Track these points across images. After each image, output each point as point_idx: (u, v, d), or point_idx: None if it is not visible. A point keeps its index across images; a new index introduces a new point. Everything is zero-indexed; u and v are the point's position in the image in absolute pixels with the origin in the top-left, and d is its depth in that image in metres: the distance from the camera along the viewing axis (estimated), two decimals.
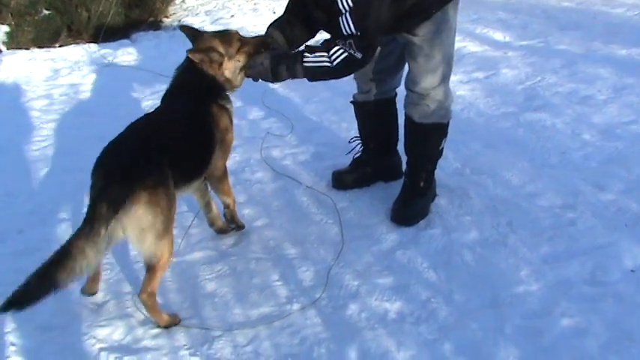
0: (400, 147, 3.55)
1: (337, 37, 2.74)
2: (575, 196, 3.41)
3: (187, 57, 2.84)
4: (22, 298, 2.17)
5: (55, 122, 4.87)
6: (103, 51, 6.72)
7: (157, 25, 7.73)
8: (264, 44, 2.91)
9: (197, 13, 8.26)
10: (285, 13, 3.05)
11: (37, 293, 2.18)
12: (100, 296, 2.83)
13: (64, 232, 3.25)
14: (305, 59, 2.80)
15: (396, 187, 3.48)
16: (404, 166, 3.48)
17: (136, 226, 2.35)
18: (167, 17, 8.12)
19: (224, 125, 2.88)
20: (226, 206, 3.16)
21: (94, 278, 2.77)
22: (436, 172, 3.40)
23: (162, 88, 5.52)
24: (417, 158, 3.34)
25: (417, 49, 3.00)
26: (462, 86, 5.05)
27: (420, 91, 3.08)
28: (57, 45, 6.93)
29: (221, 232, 3.25)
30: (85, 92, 5.56)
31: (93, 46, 6.89)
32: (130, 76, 5.93)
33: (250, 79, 2.95)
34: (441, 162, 3.41)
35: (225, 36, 2.91)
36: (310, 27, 2.98)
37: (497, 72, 5.35)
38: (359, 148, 3.67)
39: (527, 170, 3.71)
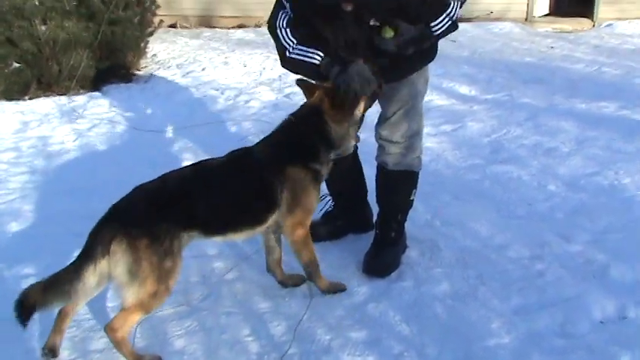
0: (370, 199, 3.58)
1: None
2: (542, 247, 3.46)
3: (305, 106, 2.92)
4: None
5: (23, 175, 4.81)
6: (74, 103, 6.72)
7: (128, 78, 7.76)
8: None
9: (169, 67, 8.32)
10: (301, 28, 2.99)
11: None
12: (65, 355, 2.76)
13: None
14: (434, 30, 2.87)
15: (366, 239, 3.50)
16: (374, 218, 3.51)
17: (115, 270, 2.47)
18: (139, 70, 8.17)
19: (300, 188, 2.85)
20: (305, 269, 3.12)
21: (58, 331, 2.68)
22: (406, 224, 3.43)
23: (134, 139, 5.57)
24: (389, 208, 3.39)
25: (388, 98, 3.12)
26: (430, 138, 5.14)
27: (397, 140, 3.18)
28: (26, 98, 6.90)
29: (280, 283, 3.20)
30: (55, 145, 5.52)
31: (63, 99, 6.87)
32: (101, 129, 5.92)
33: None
34: (410, 214, 3.45)
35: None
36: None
37: (464, 125, 5.47)
38: (330, 204, 3.70)
39: (495, 222, 3.76)
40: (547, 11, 11.88)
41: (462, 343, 2.75)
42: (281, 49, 2.98)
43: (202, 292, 3.19)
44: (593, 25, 10.94)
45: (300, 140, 2.87)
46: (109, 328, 2.55)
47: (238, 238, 2.96)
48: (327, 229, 3.63)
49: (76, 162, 5.08)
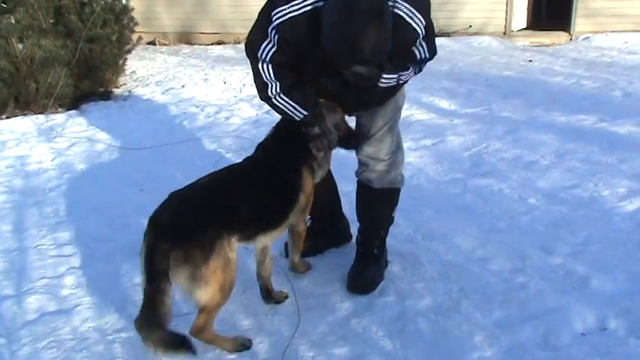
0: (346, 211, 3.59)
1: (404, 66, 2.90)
2: (523, 260, 3.47)
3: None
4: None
5: (1, 195, 4.76)
6: (52, 122, 6.67)
7: (107, 96, 7.74)
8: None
9: (147, 84, 8.30)
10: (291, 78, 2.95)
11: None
12: None
13: (7, 309, 3.14)
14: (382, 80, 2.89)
15: (348, 254, 3.49)
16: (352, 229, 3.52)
17: (179, 280, 2.58)
18: (117, 88, 8.15)
19: (309, 188, 3.10)
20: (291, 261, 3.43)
21: None
22: (388, 239, 3.43)
23: (114, 158, 5.52)
24: (372, 224, 3.39)
25: (372, 115, 3.14)
26: (411, 153, 5.16)
27: (383, 157, 3.19)
28: (3, 117, 6.85)
29: (265, 293, 3.26)
30: (33, 164, 5.47)
31: (41, 118, 6.83)
32: (80, 147, 5.88)
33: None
34: (392, 229, 3.45)
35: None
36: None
37: (444, 139, 5.49)
38: (308, 220, 3.69)
39: (476, 235, 3.77)
40: (525, 25, 12.04)
41: (445, 358, 2.74)
42: (261, 85, 2.93)
43: (184, 311, 3.15)
44: (571, 39, 11.08)
45: (298, 142, 3.06)
46: (195, 331, 2.69)
47: (271, 239, 3.09)
48: (309, 245, 3.61)
49: (55, 181, 5.02)
